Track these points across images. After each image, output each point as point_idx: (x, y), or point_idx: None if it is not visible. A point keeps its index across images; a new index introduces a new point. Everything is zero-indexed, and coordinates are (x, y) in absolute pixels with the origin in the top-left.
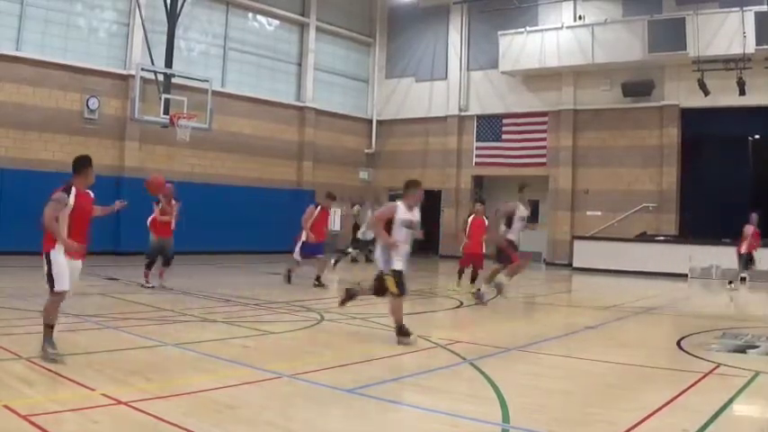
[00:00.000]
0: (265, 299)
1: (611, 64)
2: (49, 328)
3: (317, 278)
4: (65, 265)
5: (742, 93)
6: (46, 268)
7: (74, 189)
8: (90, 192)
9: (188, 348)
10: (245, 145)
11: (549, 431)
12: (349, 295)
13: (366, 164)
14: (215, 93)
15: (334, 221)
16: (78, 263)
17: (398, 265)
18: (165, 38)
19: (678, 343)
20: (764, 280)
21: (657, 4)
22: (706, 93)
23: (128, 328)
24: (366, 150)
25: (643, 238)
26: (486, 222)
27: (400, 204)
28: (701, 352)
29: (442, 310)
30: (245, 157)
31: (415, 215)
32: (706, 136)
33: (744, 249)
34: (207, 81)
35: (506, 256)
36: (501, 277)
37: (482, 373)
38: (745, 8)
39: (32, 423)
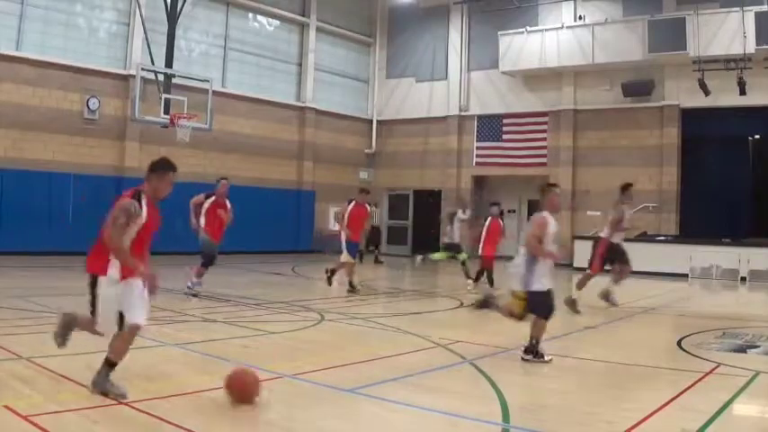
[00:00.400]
0: (265, 299)
1: (612, 64)
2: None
3: (331, 271)
4: (112, 300)
5: (742, 92)
6: (89, 297)
7: (144, 198)
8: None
9: (188, 348)
10: (245, 145)
11: (549, 431)
12: (485, 304)
13: (366, 164)
14: (215, 93)
15: (333, 221)
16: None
17: (543, 284)
18: (165, 38)
19: (678, 343)
20: (764, 280)
21: (658, 3)
22: (706, 93)
23: None
24: (366, 150)
25: (643, 237)
26: (502, 225)
27: (548, 216)
28: (702, 352)
29: (442, 310)
30: (245, 157)
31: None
32: (706, 136)
33: None
34: (207, 81)
35: (594, 261)
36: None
37: (482, 372)
38: (745, 8)
39: (33, 423)
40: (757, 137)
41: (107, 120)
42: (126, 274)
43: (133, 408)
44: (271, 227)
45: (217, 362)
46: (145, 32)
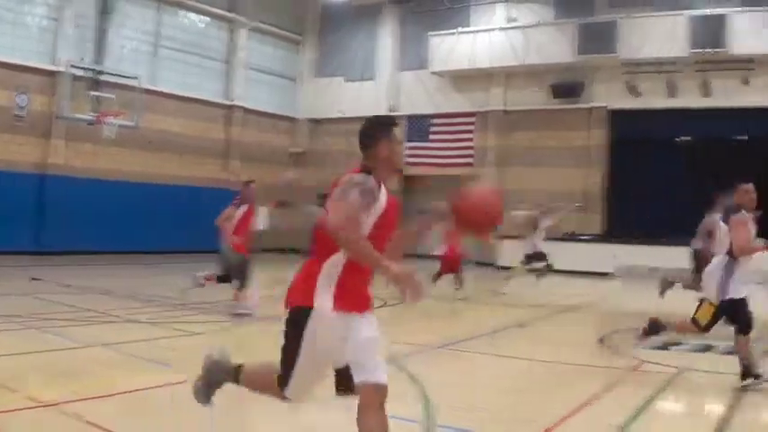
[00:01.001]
0: (191, 299)
1: (542, 65)
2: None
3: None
4: (324, 343)
5: (672, 95)
6: (286, 337)
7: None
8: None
9: (113, 349)
10: (172, 143)
11: (475, 429)
12: (654, 328)
13: (294, 163)
14: (144, 90)
15: (260, 220)
16: (364, 328)
17: (741, 291)
18: (95, 34)
19: (603, 340)
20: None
21: (590, 7)
22: (636, 95)
23: (52, 328)
24: (294, 150)
25: (569, 237)
26: None
27: (747, 215)
28: (625, 349)
29: None
30: (172, 155)
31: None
32: (635, 137)
33: None
34: (136, 78)
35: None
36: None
37: (407, 372)
38: (678, 12)
39: None
40: (686, 138)
41: (33, 117)
42: (345, 303)
43: (57, 409)
44: (200, 225)
45: (144, 363)
46: (75, 28)
